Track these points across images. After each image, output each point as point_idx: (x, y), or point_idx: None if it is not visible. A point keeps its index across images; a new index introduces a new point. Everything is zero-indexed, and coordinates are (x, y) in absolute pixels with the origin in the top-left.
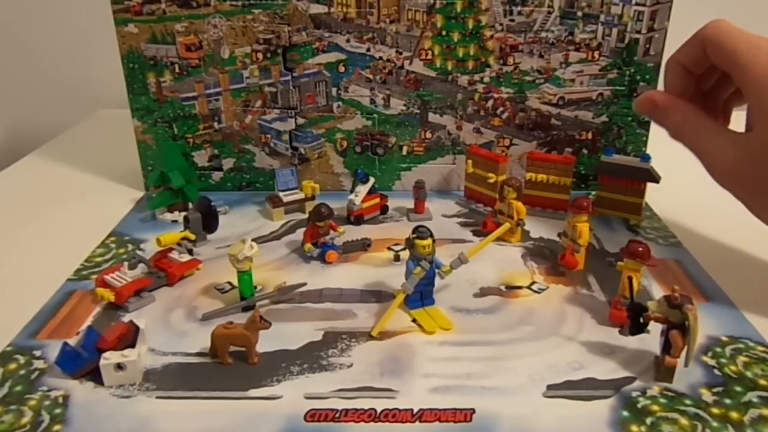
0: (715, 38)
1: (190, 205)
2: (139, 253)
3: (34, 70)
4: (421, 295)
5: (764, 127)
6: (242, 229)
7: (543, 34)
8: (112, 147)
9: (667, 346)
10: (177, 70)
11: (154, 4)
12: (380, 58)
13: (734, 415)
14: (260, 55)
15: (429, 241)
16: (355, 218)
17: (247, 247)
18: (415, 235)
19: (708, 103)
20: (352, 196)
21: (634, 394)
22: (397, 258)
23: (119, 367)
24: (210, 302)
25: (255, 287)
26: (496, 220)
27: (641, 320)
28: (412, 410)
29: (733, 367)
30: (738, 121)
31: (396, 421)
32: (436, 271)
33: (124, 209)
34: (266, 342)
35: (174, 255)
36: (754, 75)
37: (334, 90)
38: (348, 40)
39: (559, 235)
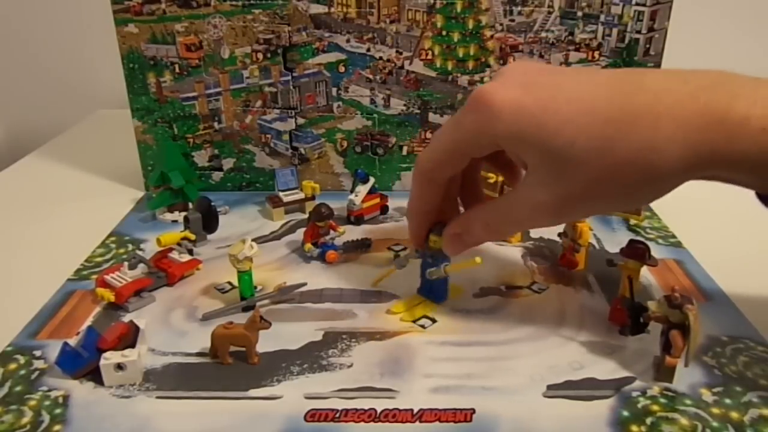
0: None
1: (190, 205)
2: (139, 253)
3: (34, 70)
4: (431, 288)
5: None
6: (242, 229)
7: (543, 34)
8: (112, 147)
9: (667, 346)
10: (177, 70)
11: (154, 4)
12: (380, 58)
13: (734, 415)
14: (260, 55)
15: (438, 238)
16: (355, 218)
17: (247, 247)
18: (432, 230)
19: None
20: (352, 196)
21: (634, 394)
22: (396, 258)
23: (119, 367)
24: (210, 302)
25: (255, 287)
26: None
27: (641, 320)
28: (412, 410)
29: (733, 367)
30: None
31: (396, 421)
32: (429, 270)
33: (124, 209)
34: (266, 342)
35: (174, 255)
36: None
37: (334, 90)
38: (348, 40)
39: (559, 235)
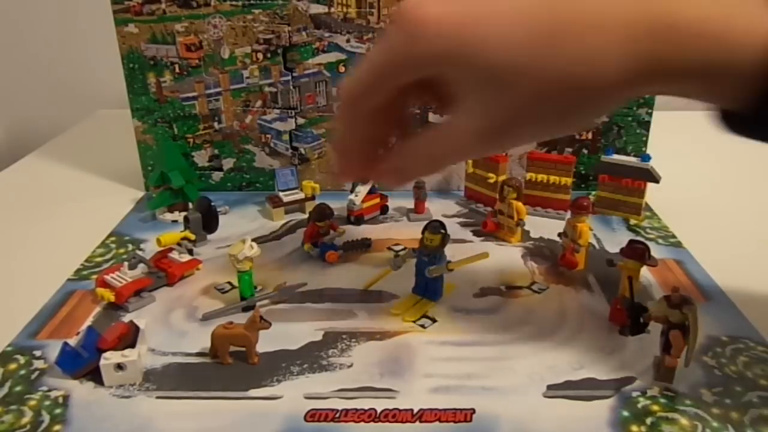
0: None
1: (190, 205)
2: (139, 253)
3: (34, 70)
4: (426, 286)
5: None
6: (242, 229)
7: None
8: (112, 147)
9: (667, 346)
10: (177, 70)
11: (154, 4)
12: None
13: (734, 415)
14: (260, 55)
15: (433, 236)
16: (355, 218)
17: (247, 247)
18: (426, 228)
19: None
20: (352, 196)
21: (634, 394)
22: (396, 258)
23: (119, 367)
24: (210, 302)
25: (255, 287)
26: (496, 220)
27: (641, 320)
28: (412, 410)
29: (733, 367)
30: None
31: (396, 421)
32: (429, 268)
33: (124, 209)
34: (266, 342)
35: (174, 255)
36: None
37: (334, 90)
38: (348, 40)
39: (559, 235)
